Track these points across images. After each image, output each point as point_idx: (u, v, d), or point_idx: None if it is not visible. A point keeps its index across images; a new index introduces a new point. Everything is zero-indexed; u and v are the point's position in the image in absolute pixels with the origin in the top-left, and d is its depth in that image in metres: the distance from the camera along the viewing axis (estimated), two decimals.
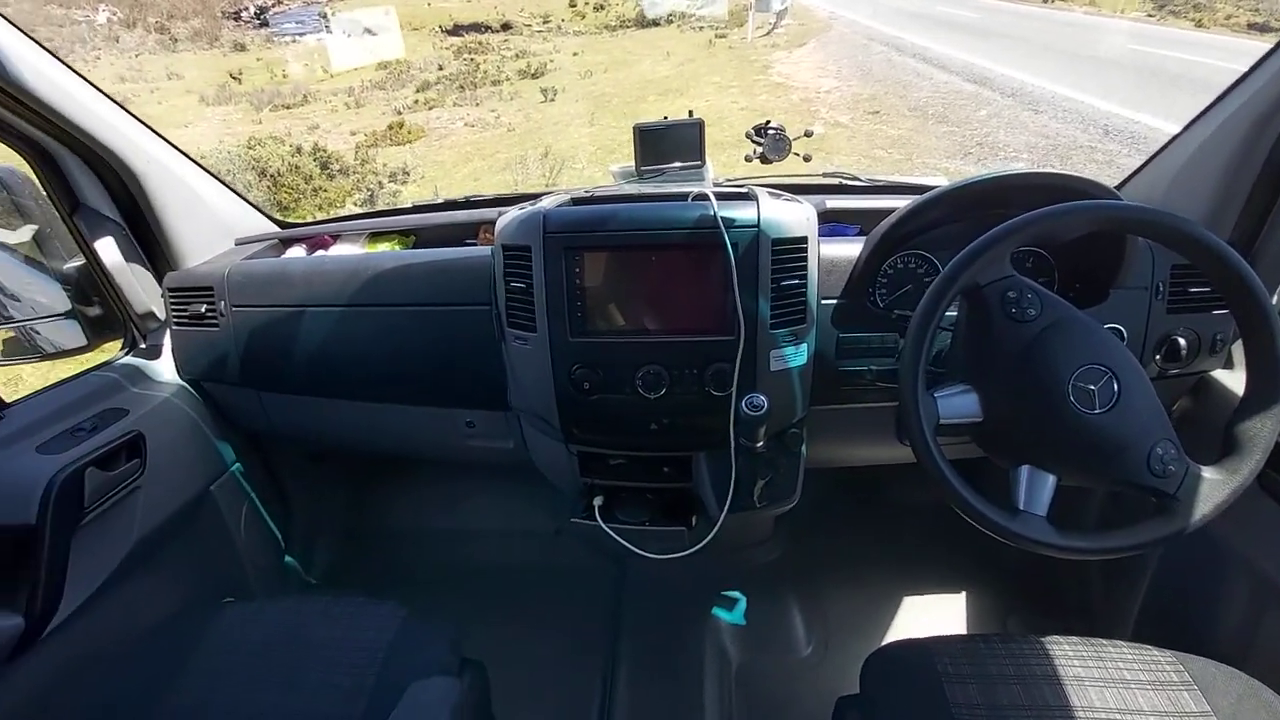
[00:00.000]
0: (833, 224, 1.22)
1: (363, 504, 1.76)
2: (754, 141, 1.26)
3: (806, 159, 1.25)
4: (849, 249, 1.08)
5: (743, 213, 0.98)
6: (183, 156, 1.24)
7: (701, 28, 16.71)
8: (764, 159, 1.25)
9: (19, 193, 1.17)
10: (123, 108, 1.11)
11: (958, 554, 1.55)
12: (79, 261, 1.20)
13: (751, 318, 0.98)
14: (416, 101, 12.60)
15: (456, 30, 20.16)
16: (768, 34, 14.48)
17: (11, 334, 1.22)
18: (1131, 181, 1.23)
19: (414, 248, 1.40)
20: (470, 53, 16.41)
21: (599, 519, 1.13)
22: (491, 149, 8.65)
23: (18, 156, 1.11)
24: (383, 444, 1.37)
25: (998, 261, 0.80)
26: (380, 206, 6.61)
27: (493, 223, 1.34)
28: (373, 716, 0.83)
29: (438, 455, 1.37)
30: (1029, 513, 0.78)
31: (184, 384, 1.28)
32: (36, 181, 1.14)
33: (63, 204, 1.13)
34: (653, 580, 1.49)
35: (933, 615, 1.48)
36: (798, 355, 1.03)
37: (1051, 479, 0.80)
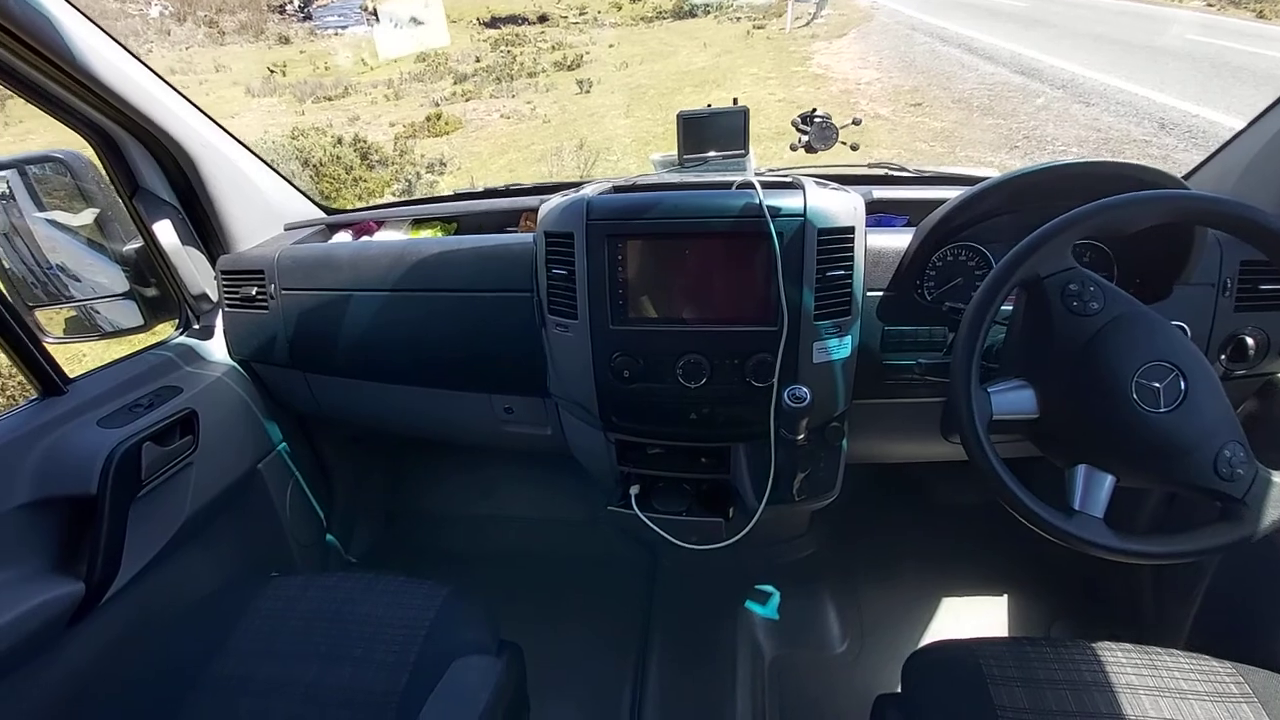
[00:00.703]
0: (880, 215, 1.20)
1: (401, 486, 1.79)
2: (799, 130, 1.24)
3: (854, 148, 1.22)
4: (897, 240, 1.05)
5: (789, 201, 0.97)
6: (236, 143, 1.27)
7: (739, 19, 16.51)
8: (809, 148, 1.22)
9: (82, 177, 1.21)
10: (181, 94, 1.15)
11: (999, 556, 1.51)
12: (137, 244, 1.24)
13: (795, 308, 0.97)
14: (454, 93, 12.74)
15: (494, 22, 20.28)
16: (807, 25, 14.24)
17: (73, 313, 1.27)
18: (1197, 174, 1.17)
19: (456, 235, 1.41)
20: (507, 45, 16.51)
21: (635, 508, 1.13)
22: (527, 140, 8.70)
23: (82, 141, 1.15)
24: (423, 427, 1.39)
25: (1060, 252, 0.77)
26: (418, 198, 6.71)
27: (534, 210, 1.35)
28: (415, 691, 0.85)
29: (476, 440, 1.38)
30: (1085, 514, 0.76)
31: (234, 364, 1.31)
32: (99, 166, 1.18)
33: (123, 187, 1.17)
34: (685, 572, 1.49)
35: (972, 617, 1.45)
36: (841, 347, 1.01)
37: (1110, 479, 0.77)
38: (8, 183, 1.20)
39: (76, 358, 3.28)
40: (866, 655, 1.38)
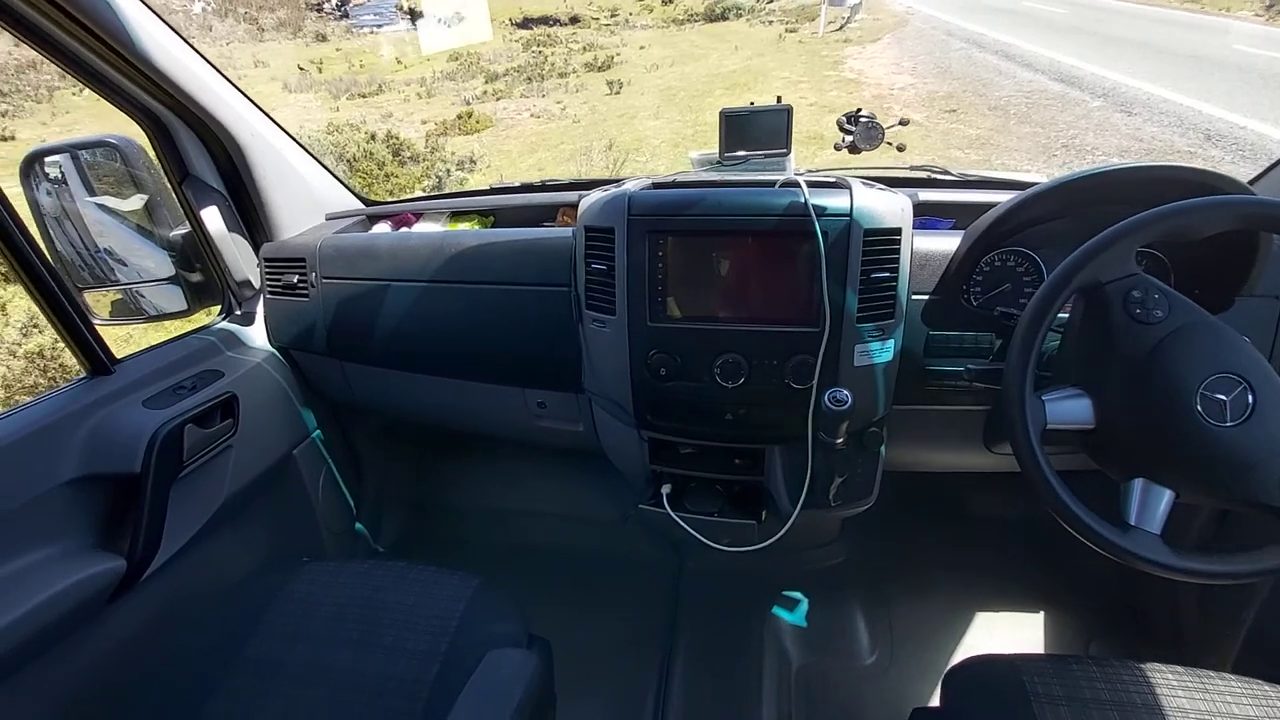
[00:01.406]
0: (925, 218, 1.17)
1: (430, 477, 1.80)
2: (844, 130, 1.22)
3: (900, 149, 1.20)
4: (944, 243, 1.03)
5: (835, 201, 0.95)
6: (282, 133, 1.29)
7: (771, 22, 16.45)
8: (854, 148, 1.20)
9: (134, 162, 1.24)
10: (232, 83, 1.17)
11: (1036, 570, 1.47)
12: (184, 230, 1.27)
13: (838, 310, 0.95)
14: (485, 92, 12.86)
15: (526, 23, 20.46)
16: (840, 29, 14.12)
17: (120, 296, 1.30)
18: (1258, 183, 1.13)
19: (493, 227, 1.42)
20: (539, 45, 16.65)
21: (667, 507, 1.12)
22: (557, 140, 8.75)
23: (135, 128, 1.17)
24: (455, 419, 1.40)
25: (1123, 258, 0.75)
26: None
27: (573, 205, 1.35)
28: (446, 681, 0.85)
29: (508, 434, 1.39)
30: (1142, 529, 0.73)
31: (274, 351, 1.33)
32: (150, 152, 1.20)
33: (173, 174, 1.19)
34: (713, 575, 1.48)
35: (1008, 633, 1.41)
36: (884, 351, 0.99)
37: (1168, 494, 0.74)
38: (60, 167, 1.23)
39: (121, 339, 3.36)
40: (898, 667, 1.35)
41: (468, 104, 11.60)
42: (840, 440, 0.95)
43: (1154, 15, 13.12)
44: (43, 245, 1.08)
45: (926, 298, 1.02)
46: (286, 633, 0.95)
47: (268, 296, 1.31)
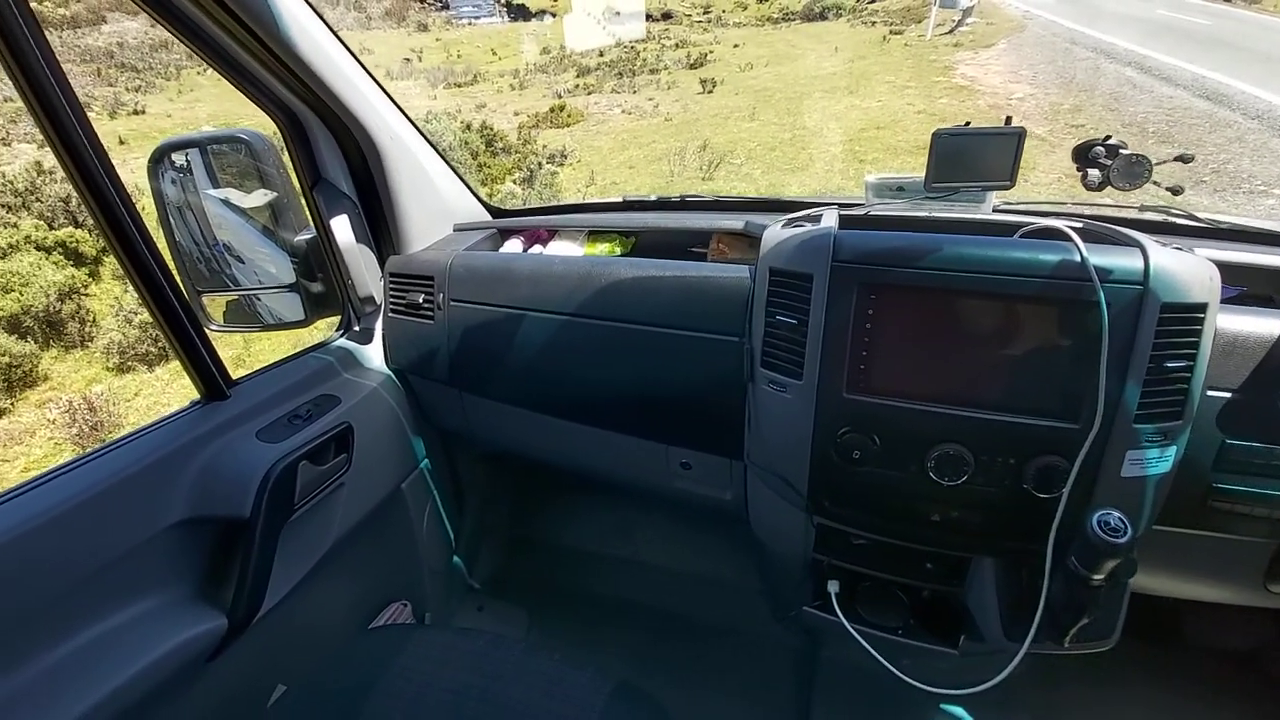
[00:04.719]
0: None
1: (532, 511, 1.66)
2: (1090, 164, 0.98)
3: (1176, 192, 0.96)
4: (1263, 325, 0.78)
5: (1122, 261, 0.73)
6: (420, 135, 1.16)
7: (873, 23, 15.78)
8: (1106, 184, 0.96)
9: (263, 159, 1.14)
10: (375, 80, 1.04)
11: (1267, 705, 1.19)
12: (308, 235, 1.16)
13: (1112, 403, 0.73)
14: (576, 86, 12.90)
15: None
16: (950, 32, 13.37)
17: (236, 299, 1.21)
18: None
19: (633, 251, 1.26)
20: (631, 40, 16.58)
21: (839, 614, 0.92)
22: (648, 137, 8.60)
23: (270, 124, 1.07)
24: (579, 467, 1.24)
25: None
26: (538, 187, 6.74)
27: (733, 234, 1.17)
28: None
29: (637, 489, 1.22)
30: None
31: (390, 374, 1.21)
32: (281, 150, 1.10)
33: (305, 176, 1.08)
34: (854, 671, 1.27)
35: None
36: (1161, 460, 0.77)
37: None
38: (187, 157, 1.14)
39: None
40: None
41: (559, 97, 11.63)
42: (1100, 577, 0.73)
43: None
44: (164, 246, 0.99)
45: (1228, 395, 0.78)
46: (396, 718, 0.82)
47: (389, 315, 1.19)
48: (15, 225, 6.35)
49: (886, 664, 0.87)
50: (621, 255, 1.23)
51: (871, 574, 0.96)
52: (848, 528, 0.94)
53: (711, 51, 14.86)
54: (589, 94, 12.22)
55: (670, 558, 1.54)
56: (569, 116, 10.07)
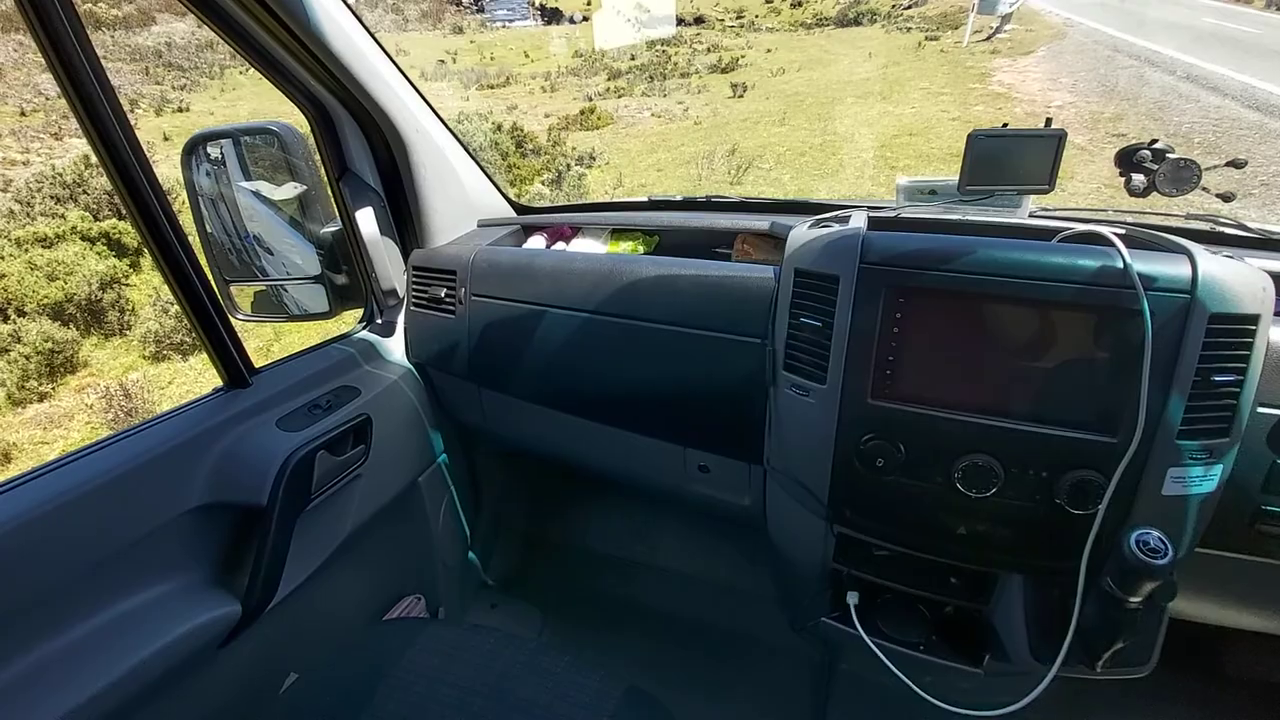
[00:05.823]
0: None
1: (547, 510, 1.66)
2: (1135, 168, 0.94)
3: (1227, 199, 0.91)
4: None
5: (1168, 269, 0.69)
6: (447, 130, 1.17)
7: (909, 29, 15.57)
8: (1148, 191, 0.92)
9: (292, 151, 1.15)
10: (405, 75, 1.05)
11: None
12: (334, 227, 1.17)
13: (1154, 418, 0.70)
14: (607, 89, 12.95)
15: None
16: (987, 39, 13.13)
17: (263, 290, 1.22)
18: None
19: (657, 250, 1.24)
20: (662, 44, 16.60)
21: (858, 626, 0.89)
22: (677, 141, 8.60)
23: (299, 116, 1.08)
24: (597, 465, 1.23)
25: None
26: (566, 188, 6.77)
27: (757, 234, 1.15)
28: None
29: (653, 491, 1.20)
30: None
31: (410, 367, 1.21)
32: (310, 142, 1.11)
33: (332, 167, 1.09)
34: (873, 685, 1.23)
35: None
36: (1206, 479, 0.73)
37: None
38: (221, 148, 1.16)
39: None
40: None
41: (590, 100, 11.69)
42: (1137, 600, 0.70)
43: None
44: (195, 236, 1.00)
45: (1279, 414, 0.74)
46: (403, 713, 0.82)
47: (411, 308, 1.20)
48: (63, 216, 6.59)
49: (907, 680, 0.84)
50: (644, 254, 1.22)
51: (893, 586, 0.93)
52: (869, 538, 0.91)
53: (743, 56, 14.81)
54: (619, 97, 12.26)
55: (686, 562, 1.52)
56: (599, 119, 10.12)
